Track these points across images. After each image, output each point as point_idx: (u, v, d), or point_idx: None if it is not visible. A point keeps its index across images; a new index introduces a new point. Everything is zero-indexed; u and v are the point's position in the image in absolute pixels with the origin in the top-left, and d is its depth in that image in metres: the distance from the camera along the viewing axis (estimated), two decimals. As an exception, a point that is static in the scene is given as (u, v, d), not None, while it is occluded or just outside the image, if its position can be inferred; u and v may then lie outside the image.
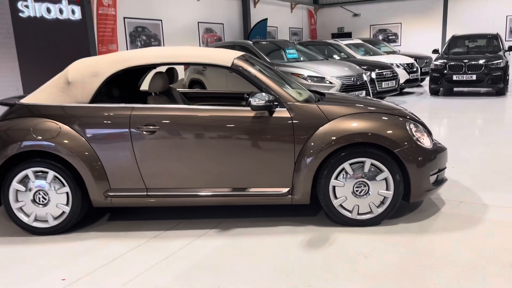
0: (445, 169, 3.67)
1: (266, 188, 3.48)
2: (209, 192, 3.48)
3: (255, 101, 3.29)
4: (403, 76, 11.54)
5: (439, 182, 3.62)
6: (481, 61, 10.69)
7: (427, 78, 12.60)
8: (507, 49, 11.79)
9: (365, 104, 3.66)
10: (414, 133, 3.45)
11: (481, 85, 10.82)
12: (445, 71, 11.01)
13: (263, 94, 3.34)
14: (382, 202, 3.44)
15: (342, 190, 3.41)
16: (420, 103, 10.34)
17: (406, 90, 12.87)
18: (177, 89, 4.42)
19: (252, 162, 3.42)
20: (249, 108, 3.40)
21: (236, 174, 3.45)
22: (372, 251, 3.07)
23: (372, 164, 3.38)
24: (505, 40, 17.05)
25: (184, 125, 3.39)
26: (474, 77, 10.69)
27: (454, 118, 8.18)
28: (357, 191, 3.41)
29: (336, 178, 3.40)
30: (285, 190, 3.46)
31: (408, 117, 3.60)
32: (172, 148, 3.40)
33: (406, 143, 3.35)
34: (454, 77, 10.90)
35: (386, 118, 3.48)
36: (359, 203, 3.42)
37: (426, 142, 3.49)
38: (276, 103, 3.40)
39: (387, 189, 3.41)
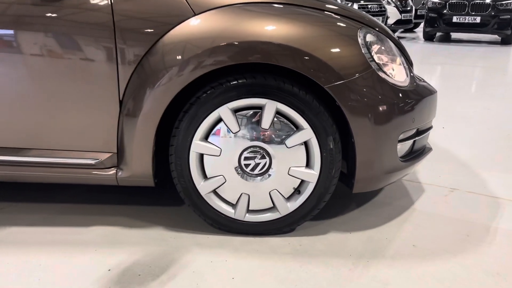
0: (429, 130, 1.93)
1: (61, 152, 1.71)
2: None
3: None
4: (393, 15, 9.59)
5: (416, 154, 1.89)
6: (488, 0, 8.75)
7: (422, 24, 10.62)
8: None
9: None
10: (374, 54, 1.67)
11: (485, 31, 8.96)
12: (444, 11, 9.08)
13: None
14: (298, 191, 1.71)
15: (217, 163, 1.66)
16: (410, 48, 8.45)
17: (396, 34, 10.89)
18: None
19: (25, 96, 1.64)
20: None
21: (-1, 118, 1.67)
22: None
23: (279, 113, 1.62)
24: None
25: None
26: (478, 19, 8.80)
27: (450, 66, 6.39)
28: (246, 166, 1.66)
29: (206, 137, 1.65)
30: (103, 157, 1.70)
31: (365, 23, 1.79)
32: None
33: (353, 71, 1.57)
34: (454, 19, 9.00)
35: (318, 17, 1.67)
36: (251, 189, 1.69)
37: (397, 74, 1.72)
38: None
39: (307, 165, 1.67)
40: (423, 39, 9.94)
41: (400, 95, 1.67)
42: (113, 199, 2.01)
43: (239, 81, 1.56)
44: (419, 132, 1.84)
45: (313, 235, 1.75)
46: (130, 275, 1.48)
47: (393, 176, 1.77)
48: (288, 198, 1.71)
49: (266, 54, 1.52)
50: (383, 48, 1.73)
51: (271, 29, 1.56)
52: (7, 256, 1.58)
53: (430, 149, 2.02)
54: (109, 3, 1.56)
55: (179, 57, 1.54)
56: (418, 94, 1.75)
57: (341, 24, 1.68)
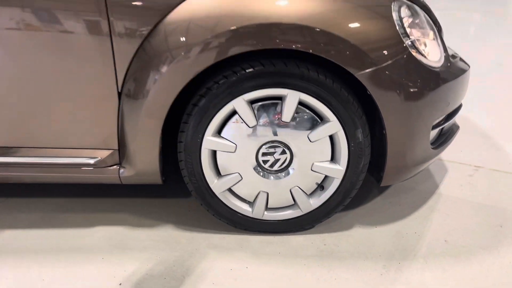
0: (459, 109, 1.75)
1: (58, 150, 1.51)
2: None
3: None
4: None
5: (445, 137, 1.73)
6: None
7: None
8: None
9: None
10: (408, 31, 1.45)
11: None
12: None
13: None
14: (321, 187, 1.56)
15: (232, 160, 1.48)
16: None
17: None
18: None
19: (15, 91, 1.42)
20: None
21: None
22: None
23: (301, 104, 1.42)
24: None
25: None
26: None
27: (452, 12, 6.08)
28: (264, 162, 1.49)
29: (219, 132, 1.46)
30: (103, 155, 1.51)
31: (397, -8, 1.55)
32: None
33: (387, 55, 1.36)
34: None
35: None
36: (270, 187, 1.53)
37: (431, 51, 1.51)
38: None
39: (332, 159, 1.51)
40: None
41: (436, 77, 1.47)
42: (113, 192, 1.85)
43: (256, 68, 1.35)
44: (450, 114, 1.67)
45: (336, 231, 1.62)
46: (143, 290, 1.35)
47: (423, 165, 1.61)
48: (311, 195, 1.56)
49: (299, 40, 1.29)
50: (417, 21, 1.51)
51: (298, 8, 1.31)
52: (4, 268, 1.43)
53: (458, 127, 1.86)
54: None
55: (185, 41, 1.31)
56: (453, 75, 1.55)
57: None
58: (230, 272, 1.42)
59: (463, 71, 1.63)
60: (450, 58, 1.61)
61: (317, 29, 1.29)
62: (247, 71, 1.35)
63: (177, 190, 1.85)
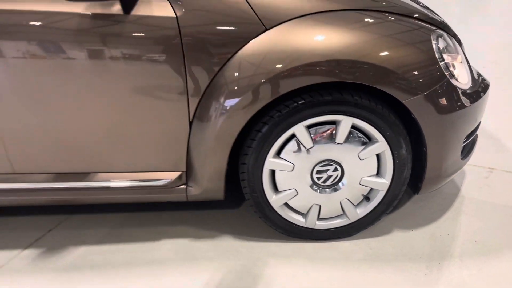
0: (480, 123, 1.95)
1: (130, 174, 1.66)
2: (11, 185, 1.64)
3: None
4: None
5: (470, 147, 1.93)
6: None
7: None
8: None
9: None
10: (445, 59, 1.63)
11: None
12: None
13: None
14: (367, 198, 1.75)
15: (289, 178, 1.66)
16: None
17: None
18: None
19: (95, 122, 1.56)
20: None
21: (59, 150, 1.60)
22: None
23: (353, 127, 1.60)
24: None
25: None
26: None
27: None
28: (318, 178, 1.67)
29: (278, 154, 1.63)
30: (173, 176, 1.67)
31: (430, 21, 1.72)
32: None
33: (430, 83, 1.55)
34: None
35: (395, 26, 1.60)
36: (322, 200, 1.71)
37: (460, 75, 1.70)
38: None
39: (378, 173, 1.70)
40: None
41: (467, 98, 1.66)
42: (168, 206, 2.00)
43: (315, 98, 1.52)
44: (476, 127, 1.87)
45: (378, 235, 1.82)
46: (220, 297, 1.52)
47: (454, 174, 1.82)
48: (357, 205, 1.75)
49: (354, 73, 1.46)
50: (450, 49, 1.69)
51: (358, 46, 1.48)
52: (84, 283, 1.58)
53: (477, 136, 2.06)
54: (175, 19, 1.44)
55: (255, 75, 1.47)
56: (479, 93, 1.75)
57: (416, 31, 1.60)
58: (293, 277, 1.61)
59: (486, 89, 1.83)
60: (475, 78, 1.81)
61: (375, 64, 1.46)
62: (307, 100, 1.52)
63: (226, 202, 2.02)
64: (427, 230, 1.85)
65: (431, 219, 1.92)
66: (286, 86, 1.47)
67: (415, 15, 1.68)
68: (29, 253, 1.73)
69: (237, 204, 2.03)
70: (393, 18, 1.60)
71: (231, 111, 1.51)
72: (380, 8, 1.61)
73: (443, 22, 1.82)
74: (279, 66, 1.46)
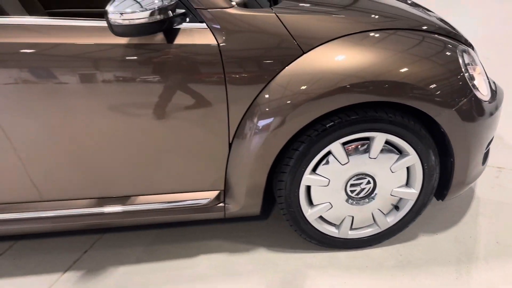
0: (494, 127, 2.05)
1: (169, 196, 1.70)
2: (57, 211, 1.65)
3: (123, 14, 1.29)
4: None
5: (487, 151, 2.03)
6: None
7: None
8: None
9: (366, 9, 1.78)
10: (470, 72, 1.71)
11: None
12: None
13: None
14: (396, 207, 1.83)
15: (325, 192, 1.72)
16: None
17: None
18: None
19: (137, 146, 1.58)
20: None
21: (108, 173, 1.61)
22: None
23: (386, 143, 1.67)
24: None
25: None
26: None
27: None
28: (352, 191, 1.74)
29: (314, 170, 1.68)
30: (212, 196, 1.71)
31: (453, 36, 1.79)
32: None
33: (459, 99, 1.62)
34: None
35: (422, 42, 1.65)
36: (355, 211, 1.78)
37: (481, 87, 1.78)
38: (181, 13, 1.45)
39: (407, 184, 1.77)
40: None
41: (489, 109, 1.74)
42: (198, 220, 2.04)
43: (352, 117, 1.58)
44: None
45: (405, 241, 1.90)
46: (267, 312, 1.58)
47: (475, 180, 1.91)
48: (387, 214, 1.82)
49: (391, 92, 1.52)
50: (472, 62, 1.77)
51: (390, 65, 1.53)
52: (136, 304, 1.62)
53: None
54: (217, 46, 1.46)
55: (291, 99, 1.51)
56: (497, 102, 1.84)
57: (444, 49, 1.67)
58: (333, 288, 1.68)
59: (502, 96, 1.92)
60: (492, 88, 1.89)
61: (411, 84, 1.52)
62: (343, 119, 1.57)
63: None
64: (450, 233, 1.94)
65: (452, 222, 2.01)
66: (326, 107, 1.52)
67: (440, 32, 1.75)
68: (70, 276, 1.75)
69: (265, 215, 2.08)
70: (421, 37, 1.66)
71: (271, 132, 1.55)
72: (409, 27, 1.67)
73: (459, 32, 1.89)
74: (318, 88, 1.50)
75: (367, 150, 1.65)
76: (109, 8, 1.27)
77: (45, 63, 1.40)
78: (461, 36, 1.86)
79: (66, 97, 1.44)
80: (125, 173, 1.62)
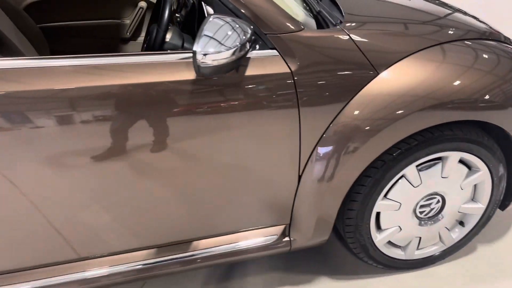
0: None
1: (233, 236, 1.55)
2: (110, 269, 1.46)
3: (206, 56, 1.11)
4: None
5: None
6: None
7: None
8: None
9: (424, 21, 1.67)
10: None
11: None
12: None
13: (216, 20, 1.16)
14: (461, 223, 1.77)
15: (394, 216, 1.62)
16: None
17: None
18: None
19: (201, 188, 1.41)
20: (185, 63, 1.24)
21: (163, 220, 1.44)
22: None
23: (459, 161, 1.59)
24: None
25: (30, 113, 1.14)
26: None
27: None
28: (421, 212, 1.65)
29: (385, 195, 1.58)
30: (278, 232, 1.58)
31: (503, 40, 1.72)
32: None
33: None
34: None
35: (489, 53, 1.56)
36: (423, 232, 1.70)
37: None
38: (253, 41, 1.29)
39: (473, 199, 1.71)
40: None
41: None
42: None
43: (427, 137, 1.48)
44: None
45: (466, 254, 1.85)
46: None
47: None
48: (452, 230, 1.76)
49: (474, 111, 1.44)
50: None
51: (468, 82, 1.43)
52: None
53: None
54: (290, 74, 1.31)
55: (370, 125, 1.39)
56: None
57: (508, 58, 1.59)
58: (412, 316, 1.60)
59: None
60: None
61: (490, 101, 1.44)
62: (420, 141, 1.47)
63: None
64: (508, 242, 1.91)
65: (506, 229, 1.98)
66: (405, 131, 1.41)
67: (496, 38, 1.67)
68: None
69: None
70: (487, 48, 1.57)
71: (346, 161, 1.42)
72: (477, 36, 1.59)
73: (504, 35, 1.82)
74: (398, 110, 1.39)
75: (440, 170, 1.57)
76: (197, 48, 1.09)
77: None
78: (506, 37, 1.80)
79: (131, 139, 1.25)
80: (187, 217, 1.45)
